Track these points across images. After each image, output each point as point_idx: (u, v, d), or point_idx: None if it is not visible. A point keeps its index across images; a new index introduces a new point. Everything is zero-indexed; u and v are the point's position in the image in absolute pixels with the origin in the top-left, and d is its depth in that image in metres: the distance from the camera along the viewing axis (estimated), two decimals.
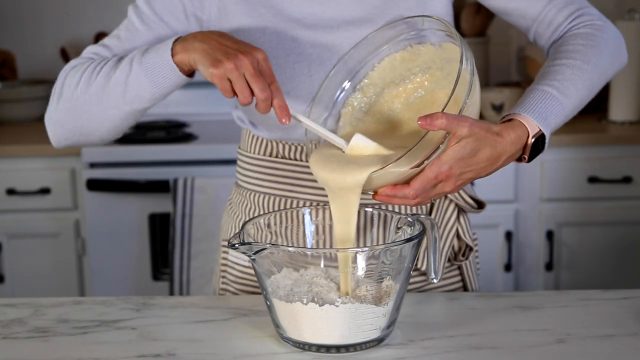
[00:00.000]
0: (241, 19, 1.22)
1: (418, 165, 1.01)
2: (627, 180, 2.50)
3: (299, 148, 1.26)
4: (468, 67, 1.02)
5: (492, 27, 2.90)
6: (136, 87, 1.16)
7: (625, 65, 1.25)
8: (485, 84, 2.85)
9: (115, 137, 1.25)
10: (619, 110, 2.67)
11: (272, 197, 1.29)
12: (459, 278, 1.34)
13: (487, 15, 2.81)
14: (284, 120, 1.08)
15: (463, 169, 1.03)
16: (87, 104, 1.19)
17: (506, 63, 3.05)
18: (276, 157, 1.28)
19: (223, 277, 1.35)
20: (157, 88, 1.15)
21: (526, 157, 1.09)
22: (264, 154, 1.30)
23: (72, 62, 1.25)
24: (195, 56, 1.10)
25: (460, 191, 1.29)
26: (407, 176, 1.02)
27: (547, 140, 1.10)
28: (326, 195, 1.16)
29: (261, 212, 1.29)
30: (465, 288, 1.34)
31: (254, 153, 1.31)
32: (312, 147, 1.17)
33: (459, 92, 1.01)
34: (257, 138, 1.31)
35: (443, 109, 1.00)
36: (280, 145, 1.28)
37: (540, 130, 1.08)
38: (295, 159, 1.27)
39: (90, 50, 1.26)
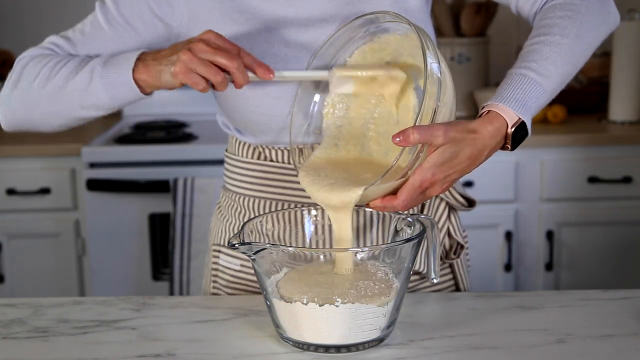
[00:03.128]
0: (213, 25, 1.20)
1: (403, 176, 1.02)
2: (627, 180, 2.50)
3: (287, 152, 1.26)
4: (434, 65, 1.02)
5: (492, 27, 2.90)
6: (95, 98, 1.18)
7: (617, 24, 1.21)
8: (485, 83, 2.85)
9: (64, 130, 1.26)
10: (619, 110, 2.67)
11: (261, 201, 1.28)
12: (450, 277, 1.34)
13: (487, 15, 2.81)
14: (271, 76, 1.11)
15: (446, 172, 1.02)
16: (42, 100, 1.20)
17: (506, 63, 3.02)
18: (264, 159, 1.28)
19: (214, 281, 1.35)
20: (115, 102, 1.18)
21: (509, 146, 1.07)
22: (252, 158, 1.29)
23: (32, 51, 1.25)
24: (159, 70, 1.12)
25: (451, 189, 1.30)
26: (395, 187, 1.03)
27: (529, 126, 1.07)
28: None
29: (251, 215, 1.29)
30: (457, 286, 1.34)
31: (242, 156, 1.31)
32: (297, 151, 1.17)
33: (430, 95, 1.00)
34: (245, 143, 1.30)
35: (416, 120, 1.00)
36: (267, 150, 1.27)
37: (519, 118, 1.05)
38: (284, 162, 1.26)
39: (51, 40, 1.26)
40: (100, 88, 1.16)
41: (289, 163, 1.26)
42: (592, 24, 1.16)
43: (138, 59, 1.16)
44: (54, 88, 1.19)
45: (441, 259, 1.32)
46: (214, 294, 1.35)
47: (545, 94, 1.09)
